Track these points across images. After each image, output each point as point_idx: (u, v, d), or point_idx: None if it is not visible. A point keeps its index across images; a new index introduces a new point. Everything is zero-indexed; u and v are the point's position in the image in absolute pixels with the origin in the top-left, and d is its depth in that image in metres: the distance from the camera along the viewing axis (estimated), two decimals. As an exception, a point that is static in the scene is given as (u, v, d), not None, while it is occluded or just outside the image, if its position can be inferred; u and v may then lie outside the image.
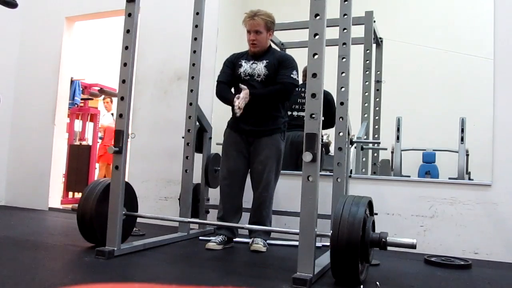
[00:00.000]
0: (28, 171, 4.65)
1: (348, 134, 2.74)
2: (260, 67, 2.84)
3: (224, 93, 2.90)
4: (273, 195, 2.87)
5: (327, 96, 3.14)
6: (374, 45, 3.96)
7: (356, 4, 2.86)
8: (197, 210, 3.28)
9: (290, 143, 3.34)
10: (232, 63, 2.96)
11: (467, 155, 3.57)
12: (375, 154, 3.99)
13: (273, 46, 3.07)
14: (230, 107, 2.98)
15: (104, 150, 5.99)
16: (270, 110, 2.83)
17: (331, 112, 2.88)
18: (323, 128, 2.34)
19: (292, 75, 2.79)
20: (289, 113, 3.40)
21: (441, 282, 2.25)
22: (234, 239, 2.91)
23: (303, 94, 3.34)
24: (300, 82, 3.09)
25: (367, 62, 3.88)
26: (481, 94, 3.48)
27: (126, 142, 2.47)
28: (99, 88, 6.25)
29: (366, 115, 3.79)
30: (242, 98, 2.67)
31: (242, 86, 2.74)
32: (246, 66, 2.88)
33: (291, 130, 3.21)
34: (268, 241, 2.89)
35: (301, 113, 3.43)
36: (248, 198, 2.95)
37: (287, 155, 3.10)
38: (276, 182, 2.88)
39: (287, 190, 3.29)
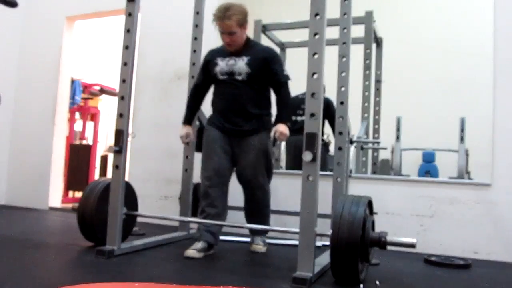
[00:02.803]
0: (28, 171, 4.65)
1: (348, 133, 2.74)
2: (240, 65, 2.61)
3: (188, 105, 2.84)
4: (269, 192, 2.74)
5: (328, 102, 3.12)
6: (374, 45, 3.95)
7: (356, 3, 2.86)
8: (197, 210, 3.27)
9: (294, 147, 3.33)
10: (207, 62, 2.76)
11: (467, 154, 3.57)
12: (375, 154, 3.99)
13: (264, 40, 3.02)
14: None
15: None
16: (254, 108, 2.64)
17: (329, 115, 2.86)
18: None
19: (285, 72, 2.65)
20: (293, 118, 3.38)
21: (441, 281, 2.25)
22: (215, 246, 2.65)
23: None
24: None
25: (367, 61, 3.88)
26: (481, 94, 3.48)
27: (127, 142, 2.47)
28: (99, 88, 6.25)
29: (366, 115, 3.79)
30: (282, 136, 2.53)
31: (274, 133, 2.54)
32: (222, 64, 2.65)
33: (294, 135, 3.17)
34: (268, 241, 2.88)
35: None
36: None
37: (291, 159, 3.07)
38: (269, 180, 2.74)
39: (287, 189, 3.29)
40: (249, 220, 2.78)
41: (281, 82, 2.63)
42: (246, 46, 2.67)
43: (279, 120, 2.58)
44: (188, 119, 2.83)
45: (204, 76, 2.78)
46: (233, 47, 2.63)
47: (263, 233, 2.84)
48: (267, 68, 2.62)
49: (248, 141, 2.63)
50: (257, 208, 2.73)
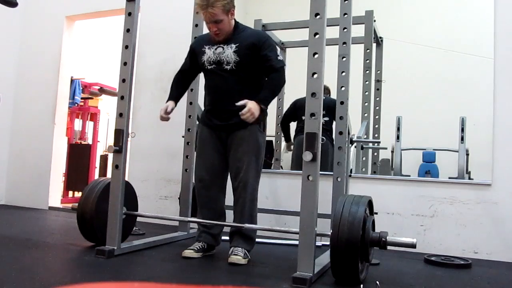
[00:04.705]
0: (28, 170, 4.65)
1: (348, 133, 2.74)
2: (228, 53, 2.43)
3: (173, 86, 2.69)
4: (256, 193, 2.51)
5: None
6: (374, 45, 3.96)
7: (356, 3, 2.86)
8: (197, 209, 3.27)
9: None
10: (194, 50, 2.62)
11: (467, 154, 3.57)
12: (375, 154, 3.99)
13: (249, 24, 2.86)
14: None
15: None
16: (244, 99, 2.39)
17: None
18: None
19: (278, 57, 2.44)
20: (303, 118, 3.35)
21: (441, 281, 2.25)
22: (215, 246, 2.62)
23: None
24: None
25: (367, 61, 3.88)
26: (481, 94, 3.48)
27: (126, 141, 2.47)
28: (99, 87, 6.25)
29: (366, 115, 3.79)
30: (250, 114, 2.29)
31: (240, 103, 2.33)
32: (209, 53, 2.49)
33: (302, 134, 3.13)
34: (268, 241, 2.86)
35: None
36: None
37: (298, 159, 3.04)
38: (257, 179, 2.51)
39: (287, 189, 3.29)
40: (233, 227, 2.51)
41: (275, 69, 2.41)
42: (235, 32, 2.48)
43: (256, 98, 2.35)
44: (172, 96, 2.66)
45: (191, 64, 2.65)
46: (221, 36, 2.45)
47: (247, 244, 2.48)
48: (257, 54, 2.43)
49: (239, 135, 2.46)
50: (243, 211, 2.45)
